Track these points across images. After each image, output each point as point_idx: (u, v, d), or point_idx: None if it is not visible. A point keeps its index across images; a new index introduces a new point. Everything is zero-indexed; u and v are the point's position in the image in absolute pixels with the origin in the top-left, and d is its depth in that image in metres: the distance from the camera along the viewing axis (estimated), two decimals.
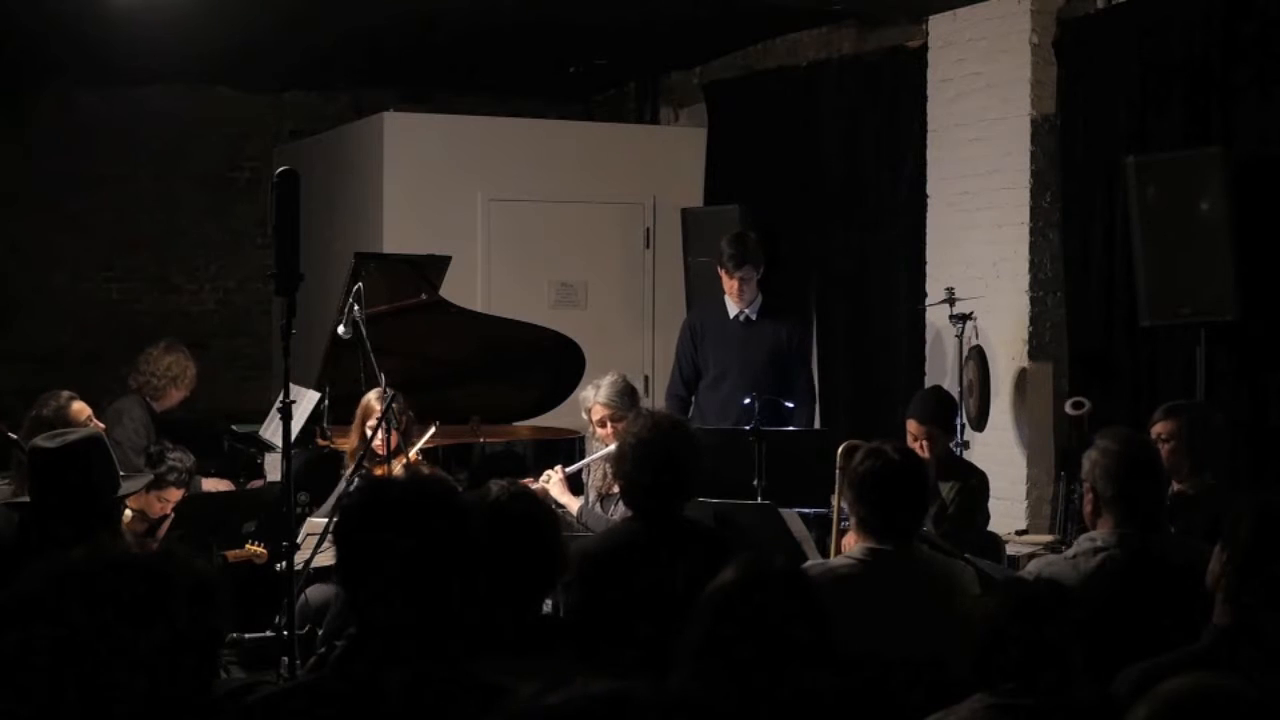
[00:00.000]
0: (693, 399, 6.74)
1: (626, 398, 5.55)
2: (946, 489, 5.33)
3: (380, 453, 5.50)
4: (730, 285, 6.50)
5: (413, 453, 5.66)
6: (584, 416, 5.74)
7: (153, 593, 2.03)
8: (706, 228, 8.32)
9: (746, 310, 6.53)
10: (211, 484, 6.55)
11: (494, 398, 7.06)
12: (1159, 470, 3.84)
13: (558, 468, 5.67)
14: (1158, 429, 4.68)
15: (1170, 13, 6.26)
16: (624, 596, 3.71)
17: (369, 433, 5.60)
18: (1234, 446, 5.97)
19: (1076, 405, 5.10)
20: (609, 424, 5.51)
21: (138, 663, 1.98)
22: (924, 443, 5.38)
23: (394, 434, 5.49)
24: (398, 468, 5.44)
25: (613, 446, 5.23)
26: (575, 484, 5.72)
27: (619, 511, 5.13)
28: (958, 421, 6.25)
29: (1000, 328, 6.89)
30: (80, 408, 5.55)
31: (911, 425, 5.50)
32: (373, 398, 5.77)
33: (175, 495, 5.60)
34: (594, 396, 5.62)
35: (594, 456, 5.63)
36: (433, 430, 5.84)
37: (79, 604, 1.98)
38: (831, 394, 7.83)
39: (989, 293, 6.91)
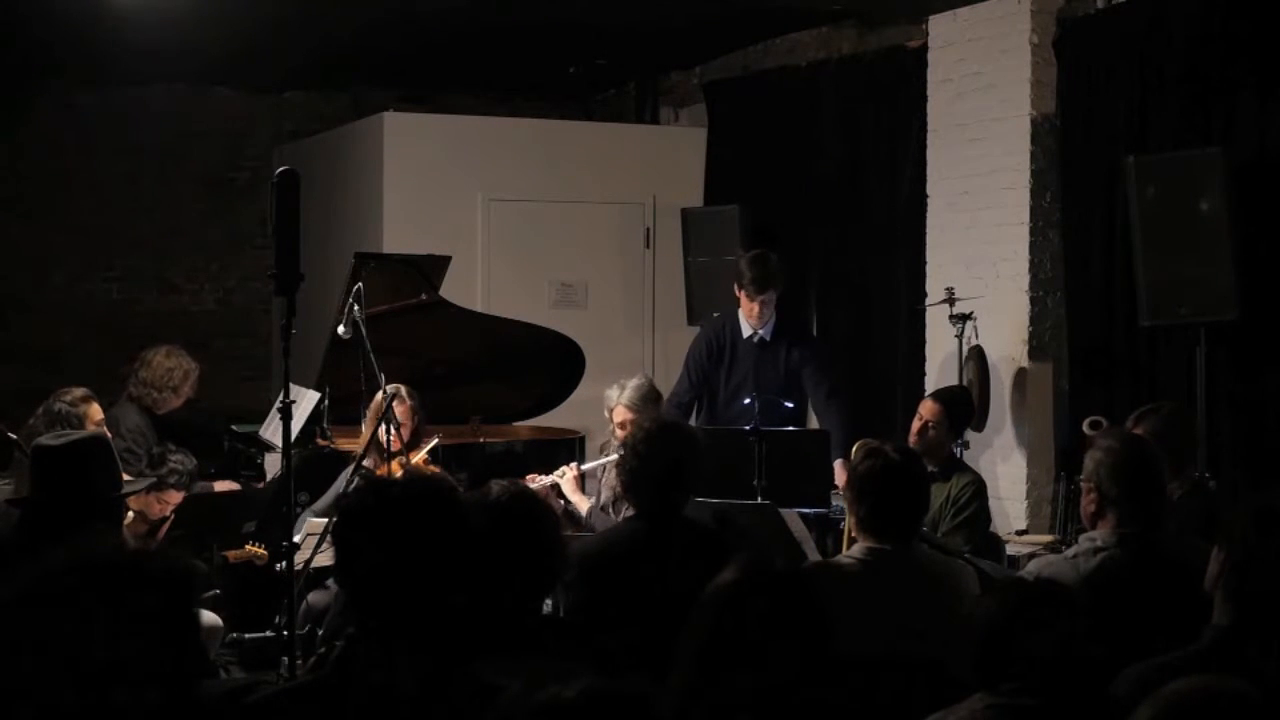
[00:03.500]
0: (694, 408, 6.68)
1: (650, 404, 5.51)
2: (951, 485, 5.30)
3: (387, 450, 5.51)
4: (750, 308, 6.41)
5: (417, 458, 5.66)
6: (606, 414, 5.72)
7: (120, 586, 2.02)
8: (706, 228, 8.32)
9: (761, 331, 6.48)
10: (218, 486, 6.55)
11: (494, 398, 7.07)
12: (1160, 470, 3.84)
13: (573, 464, 5.65)
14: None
15: (1170, 13, 6.26)
16: (624, 596, 3.72)
17: (380, 429, 5.62)
18: (1233, 445, 5.98)
19: (1094, 425, 5.08)
20: (629, 426, 5.42)
21: (112, 659, 1.98)
22: (929, 423, 5.35)
23: (399, 431, 5.49)
24: (397, 468, 5.45)
25: None
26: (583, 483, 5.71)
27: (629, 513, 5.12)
28: (965, 431, 6.21)
29: (1000, 328, 6.89)
30: (96, 409, 5.57)
31: (927, 405, 5.47)
32: (402, 393, 5.78)
33: (175, 498, 5.60)
34: (617, 397, 5.58)
35: (612, 457, 5.58)
36: (434, 442, 5.84)
37: (48, 606, 1.98)
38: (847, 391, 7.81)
39: (989, 293, 6.91)
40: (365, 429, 5.83)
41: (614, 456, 5.47)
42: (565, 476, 5.54)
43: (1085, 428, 5.56)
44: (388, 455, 5.49)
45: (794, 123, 8.32)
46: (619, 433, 5.54)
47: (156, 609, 2.02)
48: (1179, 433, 4.66)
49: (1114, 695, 2.72)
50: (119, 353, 9.23)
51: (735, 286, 6.48)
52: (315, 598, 5.52)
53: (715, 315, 7.15)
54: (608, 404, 5.65)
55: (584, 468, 5.68)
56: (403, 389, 5.79)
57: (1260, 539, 2.94)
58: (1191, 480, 4.64)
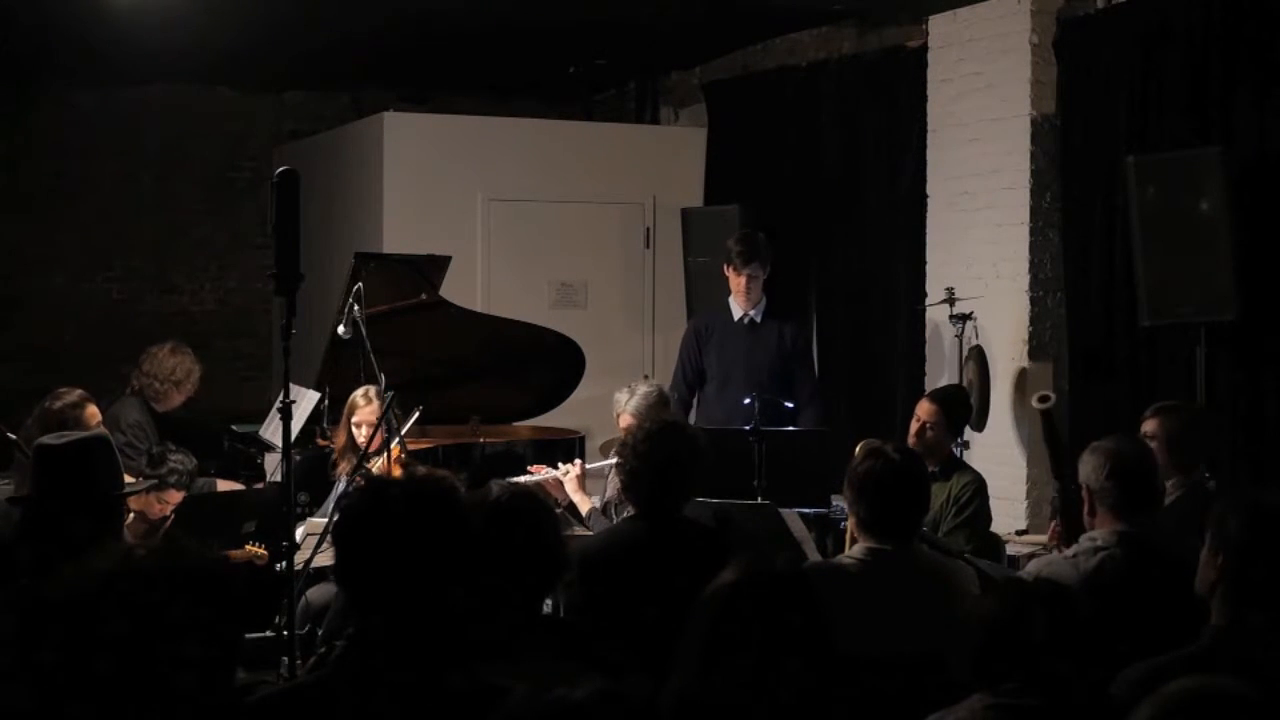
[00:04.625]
0: (694, 400, 6.72)
1: (656, 411, 5.52)
2: (952, 485, 5.30)
3: (375, 451, 5.52)
4: (738, 283, 6.41)
5: (394, 444, 5.66)
6: (614, 417, 5.73)
7: (166, 583, 2.04)
8: (706, 228, 8.32)
9: (751, 313, 6.47)
10: (221, 485, 6.55)
11: (494, 398, 7.06)
12: (1154, 469, 3.85)
13: (577, 462, 5.66)
14: (1145, 427, 4.68)
15: (1170, 13, 6.26)
16: (624, 596, 3.72)
17: (355, 430, 5.65)
18: (1233, 445, 5.98)
19: (1042, 399, 5.10)
20: None
21: (155, 660, 2.00)
22: (927, 423, 5.35)
23: (380, 433, 5.50)
24: (396, 466, 5.45)
25: None
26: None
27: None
28: (965, 430, 6.21)
29: (1000, 328, 6.89)
30: (93, 412, 5.55)
31: (924, 406, 5.47)
32: (358, 396, 5.80)
33: (175, 498, 5.60)
34: (624, 403, 5.60)
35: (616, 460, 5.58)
36: (416, 415, 5.82)
37: (106, 611, 1.99)
38: (832, 394, 7.83)
39: (989, 293, 6.91)
40: (340, 431, 5.84)
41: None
42: (569, 475, 5.55)
43: (1034, 402, 5.55)
44: (364, 455, 5.49)
45: (794, 123, 8.32)
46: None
47: (200, 605, 2.04)
48: (1185, 433, 4.66)
49: (1114, 695, 2.72)
50: (119, 353, 9.23)
51: (724, 267, 6.49)
52: (315, 595, 5.52)
53: (702, 309, 7.17)
54: (616, 408, 5.67)
55: (589, 467, 5.69)
56: (371, 389, 5.78)
57: (1255, 538, 2.95)
58: (1191, 481, 4.64)
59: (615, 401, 5.69)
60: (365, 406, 5.77)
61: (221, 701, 2.08)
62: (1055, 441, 4.99)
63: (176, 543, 3.46)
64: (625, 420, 5.53)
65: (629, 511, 5.14)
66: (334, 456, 5.93)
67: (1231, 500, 3.17)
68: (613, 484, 5.58)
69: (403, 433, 5.61)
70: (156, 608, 2.01)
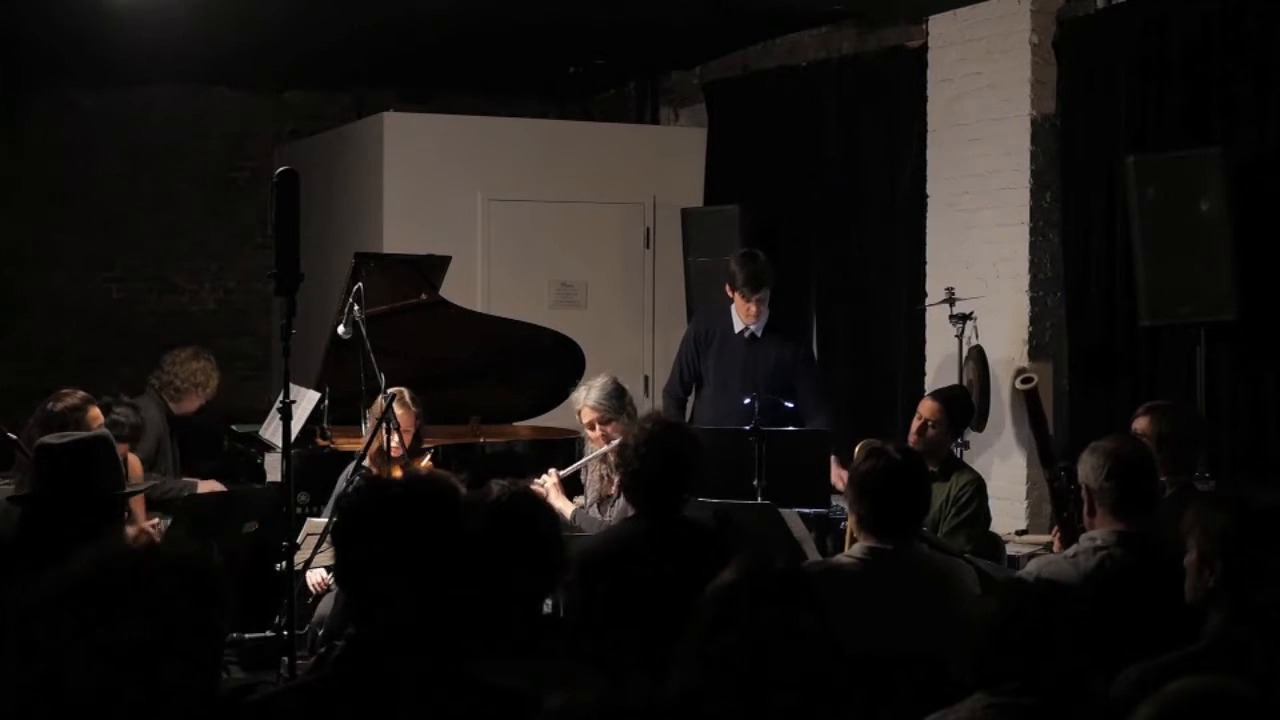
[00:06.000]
0: (689, 400, 6.71)
1: (615, 400, 5.53)
2: (951, 485, 5.30)
3: (394, 454, 5.52)
4: (746, 308, 6.32)
5: (421, 464, 5.67)
6: (575, 415, 5.75)
7: (144, 577, 2.04)
8: (706, 228, 8.32)
9: (753, 327, 6.46)
10: (207, 486, 6.54)
11: (494, 398, 7.07)
12: (1154, 469, 3.85)
13: (552, 471, 5.66)
14: (1135, 425, 4.68)
15: (1170, 13, 6.27)
16: (624, 596, 3.72)
17: (381, 432, 5.65)
18: (1233, 445, 5.98)
19: (1025, 380, 5.11)
20: (598, 426, 5.50)
21: (138, 660, 1.99)
22: (929, 421, 5.35)
23: (400, 435, 5.50)
24: (397, 470, 5.45)
25: (605, 448, 5.31)
26: (572, 485, 5.72)
27: (615, 513, 5.15)
28: (965, 430, 6.20)
29: (1000, 328, 6.89)
30: (95, 414, 5.53)
31: (927, 404, 5.47)
32: (405, 397, 5.78)
33: (120, 450, 5.52)
34: (583, 398, 5.60)
35: (587, 459, 5.62)
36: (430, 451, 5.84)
37: (83, 608, 1.99)
38: (832, 394, 7.83)
39: (989, 293, 6.91)
40: (368, 433, 5.83)
41: (591, 456, 5.52)
42: (546, 484, 5.54)
43: (1017, 384, 5.53)
44: (389, 459, 5.49)
45: (794, 123, 8.32)
46: (589, 433, 5.59)
47: (179, 599, 2.03)
48: (1178, 432, 4.66)
49: (1114, 695, 2.73)
50: (119, 353, 9.25)
51: (728, 287, 6.47)
52: (325, 607, 5.50)
53: (703, 307, 7.12)
54: (575, 405, 5.67)
55: (563, 473, 5.66)
56: (405, 393, 5.77)
57: (1249, 538, 2.95)
58: (1181, 481, 4.63)
59: (574, 400, 5.70)
60: (402, 412, 5.72)
61: (206, 701, 2.08)
62: (1040, 424, 4.98)
63: (157, 542, 3.46)
64: (587, 415, 5.54)
65: (615, 506, 5.19)
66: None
67: (1208, 506, 3.17)
68: (592, 486, 5.59)
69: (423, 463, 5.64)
70: (138, 606, 2.01)
